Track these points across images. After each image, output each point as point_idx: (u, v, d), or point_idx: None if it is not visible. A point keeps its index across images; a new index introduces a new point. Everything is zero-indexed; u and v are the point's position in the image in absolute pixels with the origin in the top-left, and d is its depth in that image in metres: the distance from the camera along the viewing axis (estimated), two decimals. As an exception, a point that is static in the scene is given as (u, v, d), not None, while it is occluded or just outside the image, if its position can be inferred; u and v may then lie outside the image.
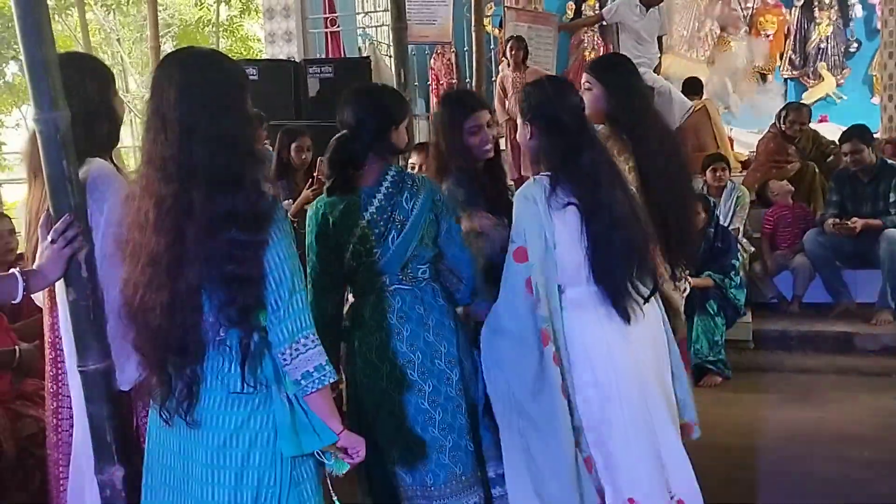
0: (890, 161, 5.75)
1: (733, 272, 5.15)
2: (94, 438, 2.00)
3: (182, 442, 1.82)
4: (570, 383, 2.35)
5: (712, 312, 5.03)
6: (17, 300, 1.87)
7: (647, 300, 2.40)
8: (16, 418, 2.89)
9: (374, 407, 2.48)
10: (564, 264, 2.34)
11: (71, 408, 2.15)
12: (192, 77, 1.72)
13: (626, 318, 2.34)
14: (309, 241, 2.53)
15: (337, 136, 2.56)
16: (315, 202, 2.60)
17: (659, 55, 7.95)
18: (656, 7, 7.45)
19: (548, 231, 2.32)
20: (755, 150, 7.09)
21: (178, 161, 1.68)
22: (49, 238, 1.90)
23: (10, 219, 3.51)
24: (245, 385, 1.75)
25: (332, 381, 1.81)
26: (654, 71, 7.54)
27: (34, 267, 1.92)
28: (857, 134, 5.68)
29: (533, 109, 2.42)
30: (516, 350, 2.35)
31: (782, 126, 6.49)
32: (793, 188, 6.11)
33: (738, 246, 5.49)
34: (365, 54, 8.60)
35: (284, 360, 1.76)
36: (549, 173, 2.36)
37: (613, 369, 2.35)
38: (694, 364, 4.98)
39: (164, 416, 1.80)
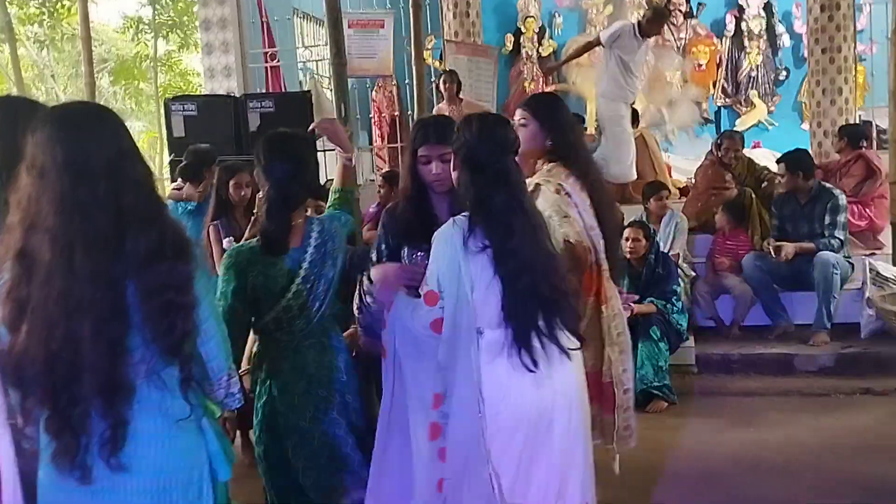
0: (827, 185, 5.93)
1: (675, 297, 5.22)
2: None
3: (102, 495, 1.74)
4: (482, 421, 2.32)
5: (656, 338, 5.08)
6: None
7: (562, 347, 2.35)
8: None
9: (292, 435, 2.64)
10: (481, 307, 2.32)
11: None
12: (99, 127, 1.75)
13: (533, 363, 2.29)
14: (223, 290, 2.56)
15: (273, 182, 2.57)
16: (235, 253, 2.63)
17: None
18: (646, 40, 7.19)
19: (464, 274, 2.31)
20: (694, 177, 7.23)
21: (102, 205, 1.68)
22: None
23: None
24: (190, 410, 1.81)
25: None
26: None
27: None
28: (792, 158, 5.88)
29: (457, 146, 2.42)
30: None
31: (718, 153, 6.65)
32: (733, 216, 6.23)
33: (679, 271, 5.58)
34: (306, 88, 8.60)
35: (220, 384, 1.90)
36: (467, 214, 2.35)
37: (512, 415, 2.32)
38: (639, 390, 5.01)
39: (76, 474, 1.70)
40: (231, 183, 4.55)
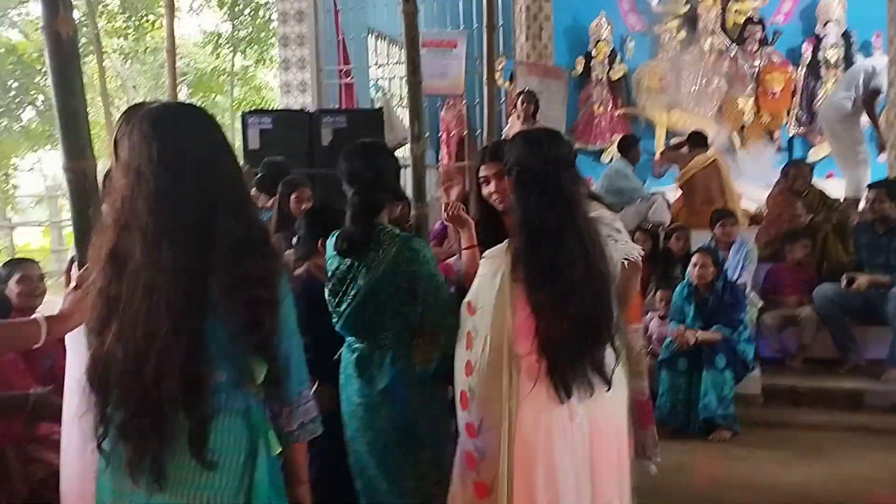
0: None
1: (742, 326, 5.15)
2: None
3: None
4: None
5: (721, 367, 5.02)
6: (39, 344, 1.91)
7: (605, 376, 2.29)
8: (28, 462, 2.90)
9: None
10: (521, 333, 2.28)
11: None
12: (192, 125, 1.75)
13: (568, 393, 2.24)
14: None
15: (355, 190, 2.63)
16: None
17: None
18: None
19: (508, 298, 2.28)
20: (765, 204, 7.13)
21: (194, 199, 1.68)
22: (73, 284, 1.94)
23: (39, 264, 3.59)
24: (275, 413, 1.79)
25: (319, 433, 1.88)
26: None
27: (58, 312, 1.96)
28: (885, 185, 5.76)
29: (507, 163, 2.42)
30: None
31: (787, 182, 6.56)
32: (804, 242, 6.11)
33: (747, 300, 5.50)
34: (377, 105, 8.75)
35: (298, 402, 1.82)
36: (515, 240, 2.32)
37: (544, 445, 2.27)
38: (703, 418, 4.97)
39: (149, 480, 1.66)
40: (293, 197, 4.63)
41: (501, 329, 2.28)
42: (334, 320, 2.66)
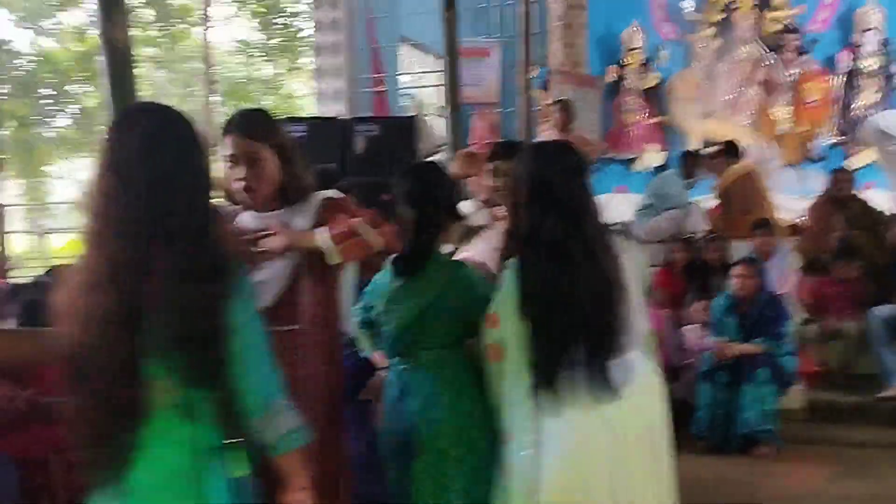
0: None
1: (784, 339, 5.05)
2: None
3: None
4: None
5: (762, 380, 4.91)
6: None
7: (611, 384, 2.26)
8: (70, 468, 2.89)
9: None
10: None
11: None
12: (156, 130, 1.66)
13: (565, 401, 2.24)
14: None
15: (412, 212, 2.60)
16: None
17: None
18: None
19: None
20: (806, 215, 7.02)
21: (137, 215, 1.59)
22: None
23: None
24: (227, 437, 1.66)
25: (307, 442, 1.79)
26: None
27: None
28: None
29: (515, 175, 2.43)
30: None
31: (832, 190, 6.47)
32: (856, 263, 5.99)
33: (789, 313, 5.39)
34: (410, 113, 8.77)
35: (262, 422, 1.73)
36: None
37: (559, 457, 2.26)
38: (743, 433, 4.87)
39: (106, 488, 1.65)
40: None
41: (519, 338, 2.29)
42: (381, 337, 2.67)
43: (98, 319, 1.57)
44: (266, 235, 2.38)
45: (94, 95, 16.69)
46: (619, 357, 2.28)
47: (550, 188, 2.31)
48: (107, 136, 1.67)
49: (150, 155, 1.61)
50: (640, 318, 2.40)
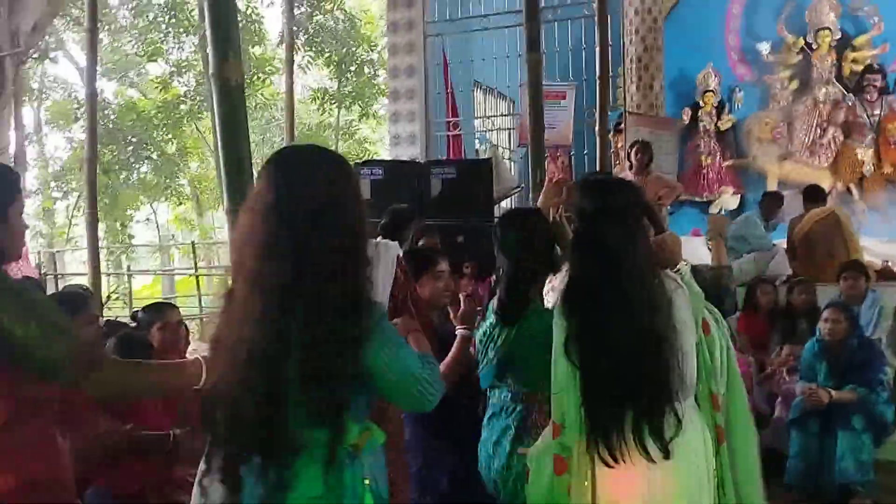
0: None
1: (879, 386, 4.83)
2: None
3: None
4: None
5: (858, 429, 4.70)
6: (200, 385, 1.92)
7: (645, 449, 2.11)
8: (166, 501, 2.93)
9: None
10: None
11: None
12: (316, 172, 1.70)
13: (614, 458, 2.11)
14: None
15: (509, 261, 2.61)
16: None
17: None
18: None
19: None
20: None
21: (294, 252, 1.63)
22: None
23: (178, 309, 3.69)
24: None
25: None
26: None
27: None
28: None
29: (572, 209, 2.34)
30: None
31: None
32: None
33: (885, 358, 5.17)
34: (483, 156, 8.83)
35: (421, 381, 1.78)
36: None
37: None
38: (840, 484, 4.66)
39: None
40: (421, 242, 4.72)
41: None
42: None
43: (247, 353, 1.62)
44: None
45: (173, 142, 17.31)
46: (666, 411, 2.12)
47: (590, 230, 2.20)
48: (261, 176, 1.72)
49: (303, 193, 1.66)
50: (691, 364, 2.22)
